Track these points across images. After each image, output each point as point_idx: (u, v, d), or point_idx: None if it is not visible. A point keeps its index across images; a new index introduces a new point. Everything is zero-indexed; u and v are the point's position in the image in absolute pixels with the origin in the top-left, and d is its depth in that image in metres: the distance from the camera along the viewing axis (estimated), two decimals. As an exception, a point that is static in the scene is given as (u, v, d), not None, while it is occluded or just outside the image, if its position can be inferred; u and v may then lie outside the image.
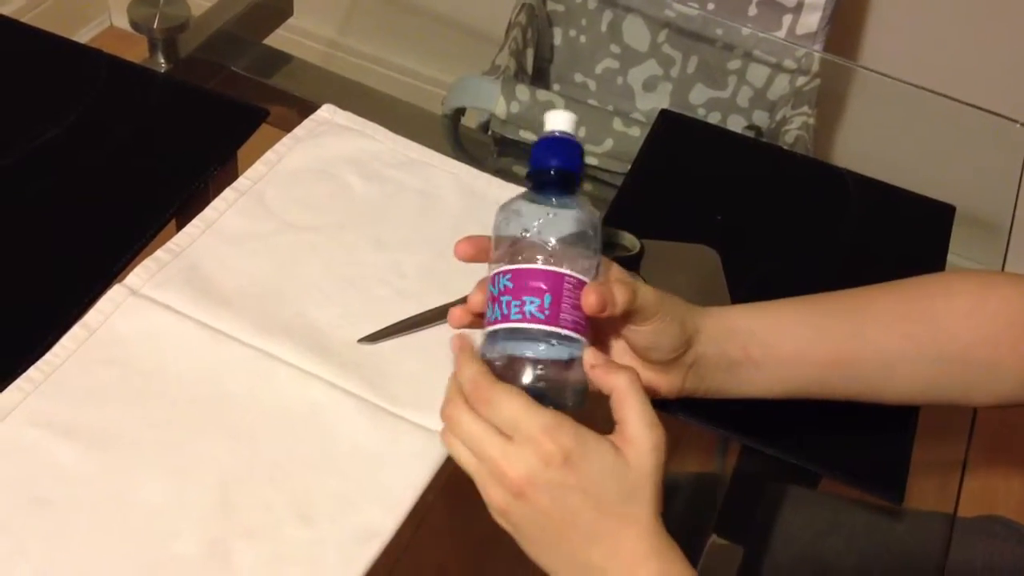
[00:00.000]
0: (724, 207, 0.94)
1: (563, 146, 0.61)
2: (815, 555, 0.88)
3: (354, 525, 0.67)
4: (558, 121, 0.62)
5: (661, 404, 0.77)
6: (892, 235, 0.94)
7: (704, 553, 0.77)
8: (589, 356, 0.59)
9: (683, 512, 0.92)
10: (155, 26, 1.06)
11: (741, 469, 0.80)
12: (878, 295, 0.70)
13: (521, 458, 0.55)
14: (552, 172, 0.60)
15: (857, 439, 0.77)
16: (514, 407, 0.56)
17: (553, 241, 0.59)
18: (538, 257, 0.58)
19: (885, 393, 0.70)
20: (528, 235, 0.59)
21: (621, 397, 0.58)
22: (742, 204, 0.95)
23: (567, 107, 1.10)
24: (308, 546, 0.66)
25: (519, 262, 0.59)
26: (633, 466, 0.56)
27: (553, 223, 0.59)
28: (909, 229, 0.94)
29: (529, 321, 0.58)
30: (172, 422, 0.72)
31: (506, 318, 0.58)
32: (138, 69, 1.00)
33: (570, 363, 0.59)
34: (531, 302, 0.58)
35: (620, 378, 0.58)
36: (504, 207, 0.61)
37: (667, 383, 0.67)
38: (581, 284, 0.59)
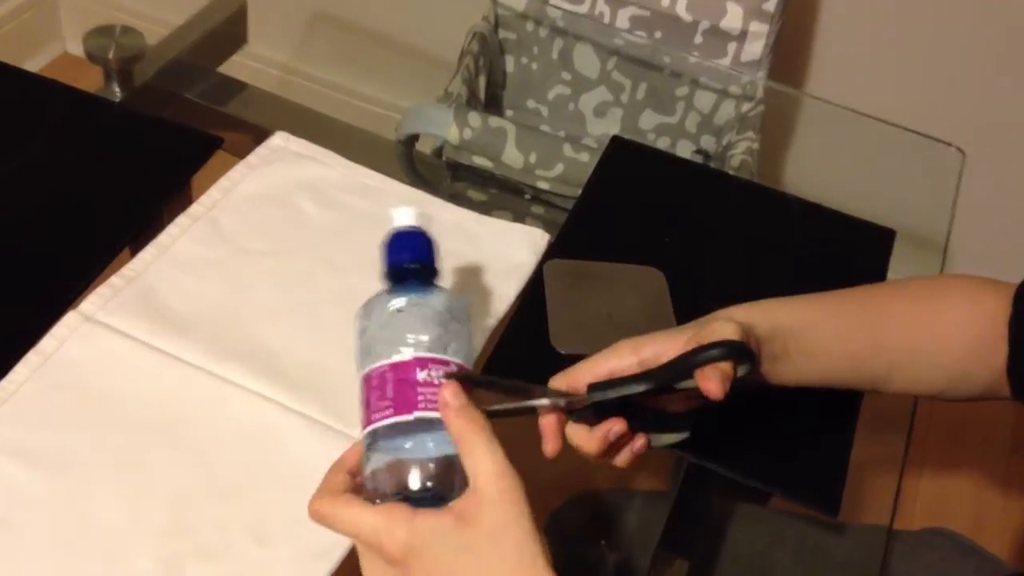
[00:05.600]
0: (671, 230, 0.96)
1: (410, 240, 0.63)
2: (761, 568, 0.90)
3: (307, 544, 0.68)
4: (405, 217, 0.64)
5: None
6: (834, 258, 0.97)
7: (649, 565, 0.79)
8: (446, 394, 0.56)
9: (635, 528, 0.94)
10: (110, 56, 1.07)
11: (688, 484, 0.82)
12: (891, 302, 0.77)
13: (367, 563, 0.56)
14: (403, 266, 0.62)
15: (797, 454, 0.79)
16: (344, 519, 0.56)
17: (408, 335, 0.58)
18: (391, 354, 0.58)
19: (885, 389, 0.78)
20: (381, 331, 0.58)
21: (465, 449, 0.55)
22: (689, 227, 0.97)
23: (518, 133, 1.12)
24: (262, 565, 0.68)
25: (371, 362, 0.58)
26: (483, 529, 0.54)
27: (405, 317, 0.59)
28: (851, 252, 0.97)
29: (381, 419, 0.57)
30: (127, 445, 0.73)
31: (369, 421, 0.58)
32: (93, 98, 1.00)
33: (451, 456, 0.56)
34: (380, 405, 0.57)
35: (460, 424, 0.55)
36: (363, 307, 0.61)
37: None
38: (445, 363, 0.57)
